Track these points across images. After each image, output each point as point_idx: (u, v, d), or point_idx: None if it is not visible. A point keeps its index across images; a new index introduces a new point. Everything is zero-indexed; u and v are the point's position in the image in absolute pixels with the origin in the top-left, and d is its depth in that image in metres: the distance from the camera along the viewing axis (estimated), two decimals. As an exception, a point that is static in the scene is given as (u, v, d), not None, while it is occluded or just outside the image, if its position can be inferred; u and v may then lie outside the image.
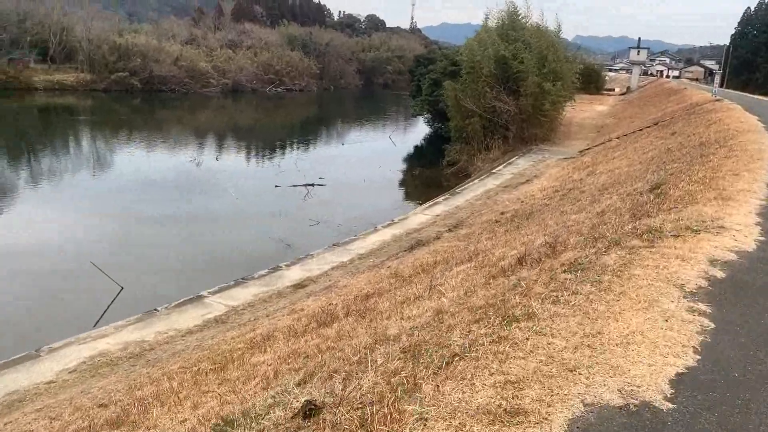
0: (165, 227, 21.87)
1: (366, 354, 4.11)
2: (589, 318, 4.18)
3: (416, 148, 48.69)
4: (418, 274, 10.38)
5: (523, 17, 37.01)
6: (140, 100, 71.55)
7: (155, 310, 10.55)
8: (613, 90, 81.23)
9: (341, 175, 33.81)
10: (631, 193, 10.23)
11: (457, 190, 21.42)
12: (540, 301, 4.40)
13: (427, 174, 35.96)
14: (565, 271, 5.13)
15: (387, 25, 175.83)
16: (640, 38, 79.57)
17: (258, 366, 5.95)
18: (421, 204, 22.35)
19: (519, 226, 12.91)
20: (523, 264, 6.35)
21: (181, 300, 10.98)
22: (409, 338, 4.23)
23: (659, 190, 8.57)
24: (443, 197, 20.23)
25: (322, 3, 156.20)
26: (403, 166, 38.28)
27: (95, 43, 72.68)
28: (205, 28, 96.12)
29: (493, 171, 25.16)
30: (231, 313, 10.13)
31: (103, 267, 17.36)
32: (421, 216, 17.62)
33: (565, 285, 4.69)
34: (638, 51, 78.20)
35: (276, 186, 29.01)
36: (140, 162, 36.99)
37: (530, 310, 4.18)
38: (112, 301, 15.47)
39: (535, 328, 3.99)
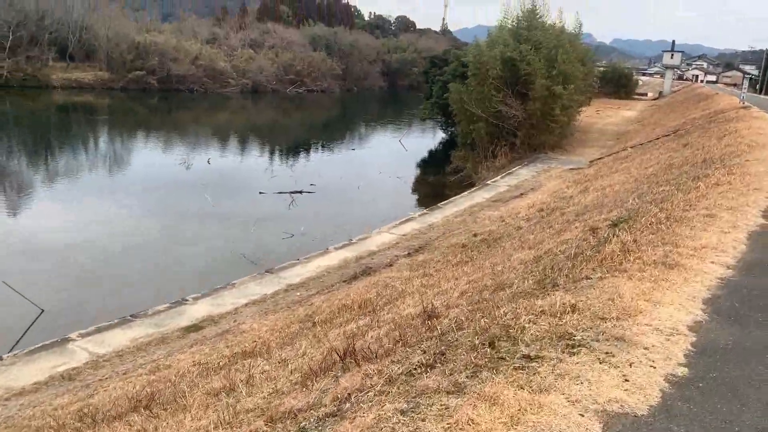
0: (120, 238, 20.11)
1: None
2: None
3: (430, 153, 46.55)
4: (329, 321, 8.37)
5: (540, 16, 34.53)
6: (157, 100, 70.72)
7: (-1, 357, 8.71)
8: (646, 95, 77.68)
9: (336, 181, 31.86)
10: (593, 227, 8.04)
11: (439, 204, 19.26)
12: None
13: (431, 182, 33.79)
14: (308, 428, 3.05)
15: (417, 27, 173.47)
16: (674, 41, 75.90)
17: None
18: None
19: (473, 258, 10.77)
20: (347, 362, 4.27)
21: (39, 345, 9.12)
22: None
23: (613, 231, 6.38)
24: (419, 213, 18.11)
25: (350, 3, 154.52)
26: (408, 173, 35.90)
27: (114, 42, 72.14)
28: (228, 27, 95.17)
29: (488, 182, 22.92)
30: (88, 367, 8.25)
31: (34, 282, 15.80)
32: (385, 235, 15.53)
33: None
34: (672, 54, 74.39)
35: (260, 192, 27.19)
36: (131, 165, 35.71)
37: None
38: (28, 328, 13.80)
39: None
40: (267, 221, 23.37)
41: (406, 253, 13.54)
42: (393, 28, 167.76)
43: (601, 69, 71.75)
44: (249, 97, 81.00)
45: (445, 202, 19.80)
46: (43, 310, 14.05)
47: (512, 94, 30.18)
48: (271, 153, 43.33)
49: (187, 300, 10.87)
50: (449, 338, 3.93)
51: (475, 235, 14.14)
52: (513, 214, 16.38)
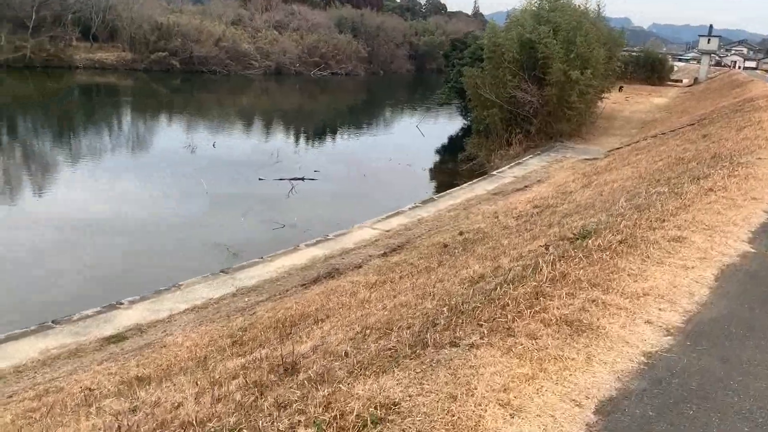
0: (98, 224, 19.27)
1: None
2: None
3: (450, 139, 44.90)
4: (252, 341, 7.28)
5: (565, -4, 32.59)
6: (180, 81, 70.15)
7: None
8: (681, 81, 74.50)
9: (343, 168, 30.72)
10: (563, 238, 6.74)
11: (434, 197, 18.00)
12: None
13: (444, 170, 32.35)
14: None
15: (449, 10, 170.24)
16: (711, 26, 72.38)
17: None
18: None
19: (442, 263, 9.55)
20: None
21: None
22: None
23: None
24: (409, 206, 16.84)
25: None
26: (422, 160, 34.31)
27: (137, 23, 71.73)
28: (253, 8, 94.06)
29: (494, 172, 21.53)
30: (-23, 384, 7.29)
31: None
32: (367, 231, 14.34)
33: None
34: (708, 39, 70.76)
35: (260, 179, 26.16)
36: (142, 148, 35.14)
37: None
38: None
39: None
40: (262, 209, 22.35)
41: (382, 252, 12.36)
42: (423, 11, 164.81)
43: (634, 54, 68.97)
44: (272, 79, 79.92)
45: (442, 193, 18.54)
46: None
47: (528, 78, 28.55)
48: (285, 137, 42.35)
49: (122, 303, 9.86)
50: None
51: (460, 233, 12.90)
52: (509, 209, 15.07)
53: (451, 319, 4.09)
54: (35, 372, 7.60)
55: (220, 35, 77.23)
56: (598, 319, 3.87)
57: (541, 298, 4.12)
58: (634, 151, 20.54)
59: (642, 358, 3.57)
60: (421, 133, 43.70)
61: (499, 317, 3.89)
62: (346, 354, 4.07)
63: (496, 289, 4.61)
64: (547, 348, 3.49)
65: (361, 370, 3.50)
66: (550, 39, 26.66)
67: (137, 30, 71.58)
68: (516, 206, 15.19)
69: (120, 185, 25.32)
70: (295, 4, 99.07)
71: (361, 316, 5.98)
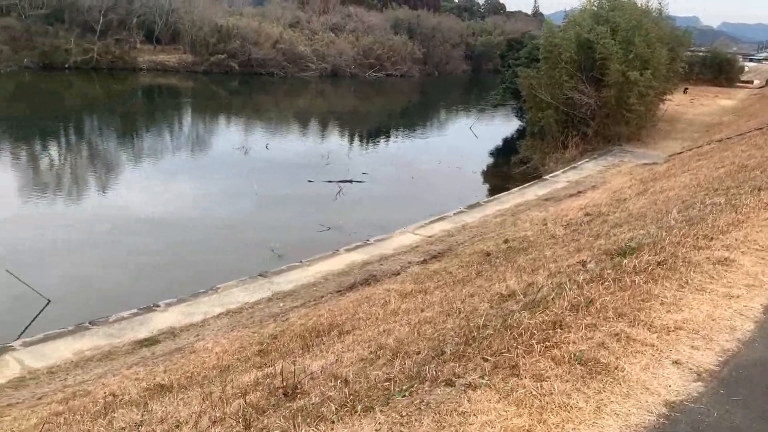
0: (152, 223, 19.70)
1: None
2: None
3: (504, 141, 44.05)
4: (276, 351, 7.12)
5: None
6: (238, 83, 71.44)
7: None
8: (751, 82, 70.89)
9: (391, 170, 30.50)
10: (606, 252, 6.29)
11: (481, 201, 17.55)
12: None
13: (497, 174, 31.67)
14: None
15: (508, 9, 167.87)
16: (787, 22, 68.43)
17: None
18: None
19: (481, 272, 9.18)
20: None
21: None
22: None
23: (612, 265, 4.68)
24: (453, 211, 16.45)
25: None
26: (473, 163, 33.73)
27: (198, 25, 73.50)
28: (311, 11, 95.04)
29: (547, 177, 20.89)
30: (9, 386, 7.36)
31: (43, 269, 15.53)
32: (409, 236, 14.04)
33: None
34: (783, 37, 67.20)
35: (309, 181, 26.24)
36: (199, 149, 35.76)
37: None
38: (34, 318, 13.35)
39: None
40: (309, 211, 22.40)
41: (422, 259, 12.05)
42: (482, 11, 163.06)
43: (700, 54, 66.18)
44: (327, 81, 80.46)
45: (490, 198, 18.08)
46: (49, 301, 13.57)
47: (586, 79, 27.64)
48: (338, 139, 42.46)
49: (158, 306, 9.89)
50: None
51: (505, 242, 12.45)
52: (559, 216, 14.50)
53: (459, 348, 3.75)
54: (67, 374, 7.66)
55: (278, 37, 78.27)
56: (617, 358, 3.37)
57: (558, 329, 3.67)
58: (696, 156, 19.55)
59: (663, 409, 3.01)
60: (474, 135, 43.06)
61: (507, 351, 3.49)
62: (347, 382, 3.81)
63: (515, 314, 4.23)
64: (552, 393, 3.05)
65: (351, 404, 3.22)
66: (608, 39, 25.73)
67: (198, 32, 73.26)
68: (567, 213, 14.62)
69: (175, 185, 25.89)
70: (352, 6, 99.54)
71: (383, 331, 5.71)
